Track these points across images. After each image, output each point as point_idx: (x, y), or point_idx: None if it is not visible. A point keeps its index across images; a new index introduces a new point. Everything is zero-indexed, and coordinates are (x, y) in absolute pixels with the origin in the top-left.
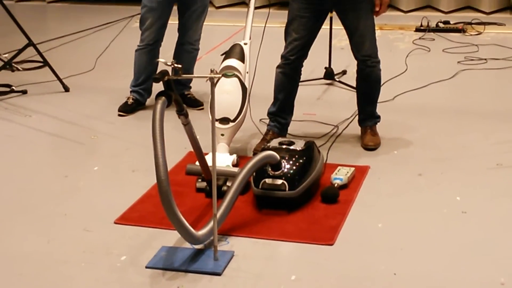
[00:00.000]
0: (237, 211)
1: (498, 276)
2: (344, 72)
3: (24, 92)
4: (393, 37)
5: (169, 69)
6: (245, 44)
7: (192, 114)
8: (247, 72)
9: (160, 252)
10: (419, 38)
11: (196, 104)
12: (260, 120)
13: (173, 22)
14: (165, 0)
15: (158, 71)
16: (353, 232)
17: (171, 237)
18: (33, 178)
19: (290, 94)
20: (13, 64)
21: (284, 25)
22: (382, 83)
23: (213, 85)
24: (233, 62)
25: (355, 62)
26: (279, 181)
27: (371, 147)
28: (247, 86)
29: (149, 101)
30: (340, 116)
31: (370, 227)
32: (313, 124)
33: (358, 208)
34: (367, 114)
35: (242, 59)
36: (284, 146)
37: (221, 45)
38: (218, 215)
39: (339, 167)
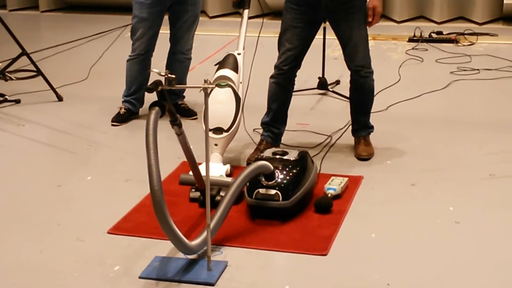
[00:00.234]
0: (230, 221)
1: (491, 286)
2: (337, 82)
3: (18, 101)
4: (386, 47)
5: (162, 79)
6: (239, 54)
7: (186, 123)
8: (241, 82)
9: (154, 262)
10: (412, 49)
11: (190, 113)
12: (254, 130)
13: (165, 31)
14: (156, 11)
15: (151, 80)
16: (347, 242)
17: (164, 247)
18: (26, 187)
19: (284, 104)
20: (6, 74)
21: (278, 35)
22: (375, 93)
23: (207, 95)
24: (226, 72)
25: (349, 72)
26: (273, 191)
27: (364, 157)
28: (240, 96)
29: (143, 110)
30: (334, 126)
31: (363, 237)
32: (306, 134)
33: (351, 218)
34: (361, 124)
35: (235, 69)
36: (277, 156)
37: (214, 54)
38: (212, 225)
39: (332, 177)
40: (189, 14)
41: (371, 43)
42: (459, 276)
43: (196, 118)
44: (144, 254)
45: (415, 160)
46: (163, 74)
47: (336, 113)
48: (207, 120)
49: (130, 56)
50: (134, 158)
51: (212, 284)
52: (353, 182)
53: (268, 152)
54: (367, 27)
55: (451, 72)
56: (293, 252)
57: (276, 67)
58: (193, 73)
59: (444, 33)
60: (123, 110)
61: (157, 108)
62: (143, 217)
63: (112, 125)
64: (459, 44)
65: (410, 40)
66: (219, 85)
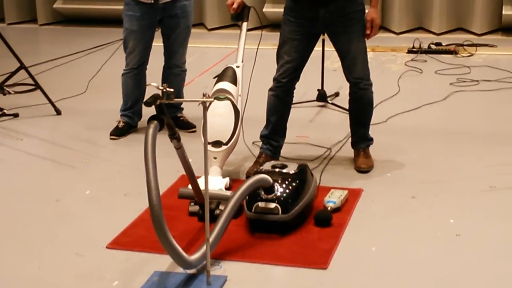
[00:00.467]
0: (230, 235)
1: None
2: (336, 94)
3: (16, 115)
4: (385, 58)
5: (160, 93)
6: (238, 67)
7: (185, 136)
8: (240, 95)
9: (153, 277)
10: (411, 60)
11: (189, 126)
12: (253, 143)
13: (157, 44)
14: (146, 24)
15: (148, 94)
16: (347, 255)
17: (163, 262)
18: (24, 202)
19: (283, 116)
20: (5, 87)
21: (276, 47)
22: (374, 105)
23: (205, 109)
24: (225, 85)
25: (348, 84)
26: (272, 205)
27: (364, 170)
28: (239, 109)
29: (141, 123)
30: (333, 138)
31: (363, 250)
32: (306, 146)
33: (351, 231)
34: (360, 137)
35: (234, 82)
36: (277, 169)
37: (213, 67)
38: (211, 239)
39: (332, 190)
40: (181, 27)
41: (370, 54)
42: None
43: (195, 131)
44: (143, 269)
45: (415, 173)
46: (161, 88)
47: (335, 125)
48: (206, 134)
49: (124, 70)
50: (132, 172)
51: None
52: (353, 195)
53: (267, 165)
54: (366, 39)
55: (451, 84)
56: (293, 265)
57: (274, 79)
58: (191, 85)
59: (443, 44)
60: (121, 123)
61: (155, 122)
62: (142, 231)
63: (111, 138)
64: (458, 55)
65: (409, 51)
66: (217, 98)
